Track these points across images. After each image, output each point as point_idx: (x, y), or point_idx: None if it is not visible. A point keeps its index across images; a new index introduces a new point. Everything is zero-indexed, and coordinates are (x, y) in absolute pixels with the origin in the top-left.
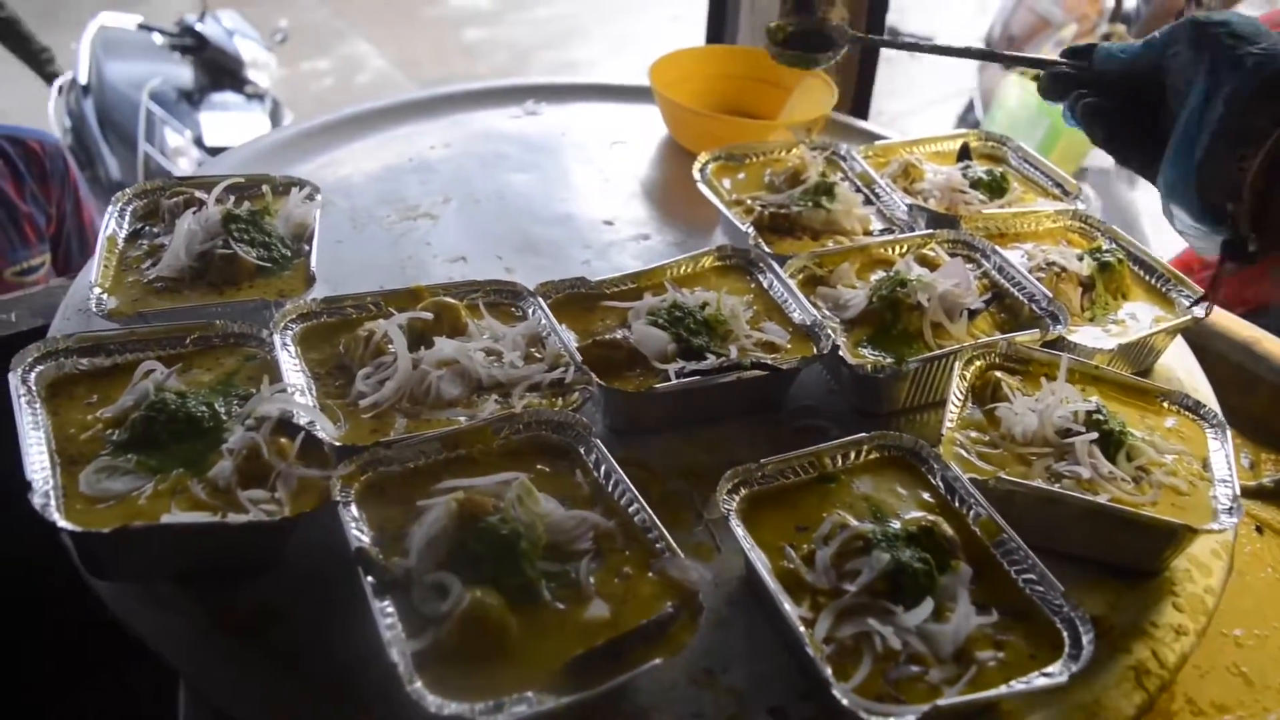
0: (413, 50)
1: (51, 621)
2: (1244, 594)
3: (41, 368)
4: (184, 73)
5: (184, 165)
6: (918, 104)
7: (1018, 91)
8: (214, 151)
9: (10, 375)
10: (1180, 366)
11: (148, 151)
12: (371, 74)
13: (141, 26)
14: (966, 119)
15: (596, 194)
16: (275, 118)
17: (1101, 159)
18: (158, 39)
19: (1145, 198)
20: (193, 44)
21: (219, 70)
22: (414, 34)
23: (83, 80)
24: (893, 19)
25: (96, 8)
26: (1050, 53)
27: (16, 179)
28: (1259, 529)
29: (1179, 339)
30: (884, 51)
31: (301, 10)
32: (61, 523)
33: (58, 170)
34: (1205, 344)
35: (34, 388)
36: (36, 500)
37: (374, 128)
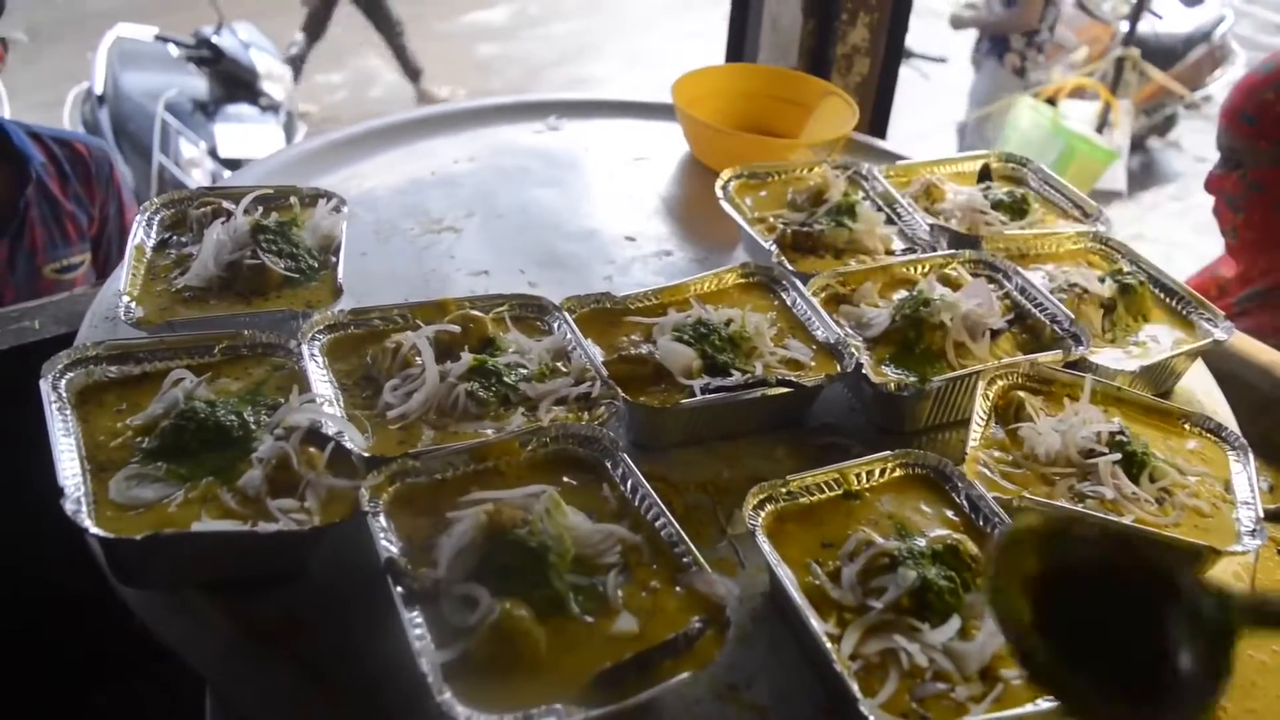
0: (426, 66)
1: (77, 630)
2: None
3: (71, 375)
4: (199, 84)
5: (198, 176)
6: (927, 128)
7: (1032, 114)
8: (228, 163)
9: (41, 381)
10: (1200, 389)
11: (162, 162)
12: (384, 88)
13: (158, 38)
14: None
15: (619, 210)
16: (289, 130)
17: (1111, 182)
18: (174, 50)
19: (1156, 221)
20: (208, 56)
21: (234, 82)
22: (427, 49)
23: (98, 90)
24: (910, 41)
25: (113, 19)
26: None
27: (61, 178)
28: None
29: (1199, 362)
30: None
31: None
32: (93, 529)
33: (103, 174)
34: (1225, 368)
35: (64, 394)
36: (69, 506)
37: (397, 141)
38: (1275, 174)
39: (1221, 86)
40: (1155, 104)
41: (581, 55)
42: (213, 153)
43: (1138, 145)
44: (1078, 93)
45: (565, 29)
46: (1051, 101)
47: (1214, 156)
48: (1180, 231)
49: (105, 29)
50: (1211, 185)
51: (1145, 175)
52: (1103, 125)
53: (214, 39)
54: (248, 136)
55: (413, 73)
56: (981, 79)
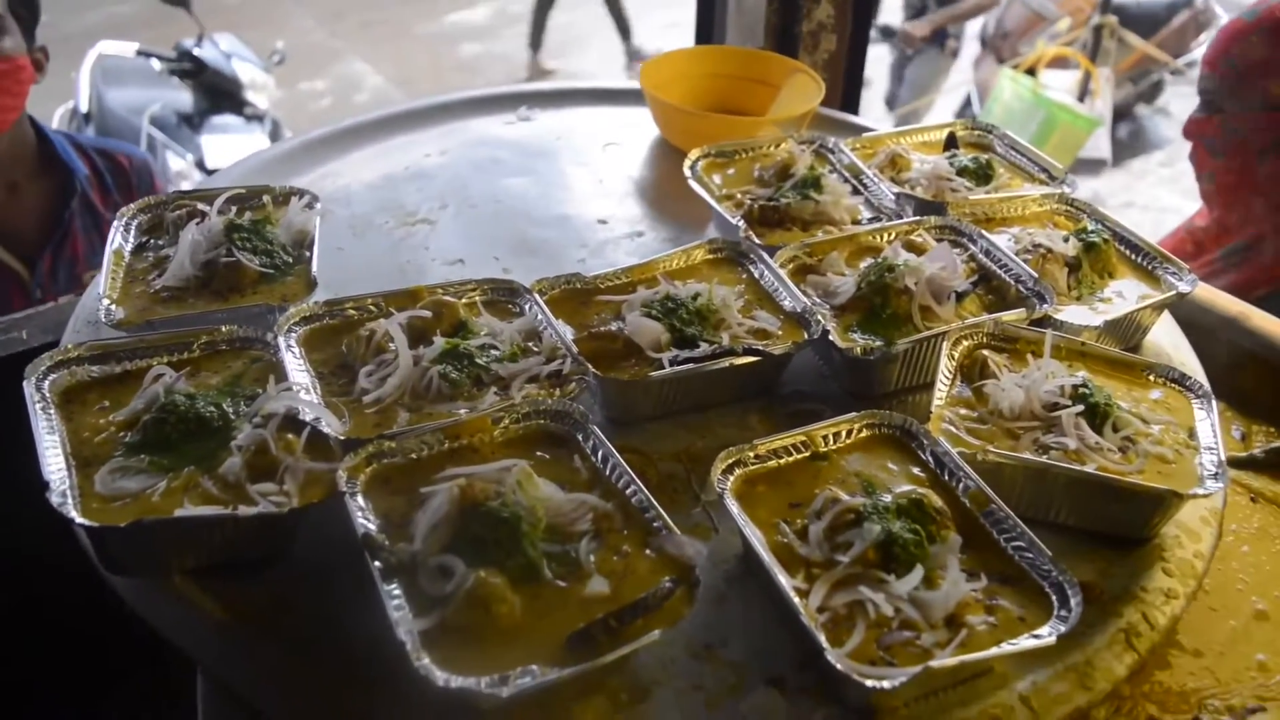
0: (409, 68)
1: (70, 631)
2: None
3: (54, 376)
4: (183, 97)
5: (187, 188)
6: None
7: (1012, 85)
8: (216, 174)
9: (25, 383)
10: (1168, 342)
11: None
12: (369, 93)
13: (140, 53)
14: (964, 113)
15: (591, 195)
16: (275, 138)
17: (1095, 151)
18: (156, 65)
19: (1146, 189)
20: (191, 68)
21: (218, 93)
22: (410, 51)
23: (83, 109)
24: (887, 17)
25: (95, 37)
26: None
27: (102, 189)
28: (1253, 499)
29: (1167, 316)
30: (874, 48)
31: (298, 32)
32: (79, 519)
33: (143, 185)
34: (1194, 320)
35: (48, 395)
36: (54, 499)
37: (370, 139)
38: (1256, 119)
39: (1201, 59)
40: (1141, 71)
41: (565, 51)
42: (200, 164)
43: (1125, 113)
44: (1058, 62)
45: (546, 25)
46: (1031, 72)
47: None
48: (1170, 197)
49: (87, 48)
50: (1191, 130)
51: (1134, 143)
52: (1084, 94)
53: (196, 51)
54: (234, 146)
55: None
56: (920, 66)
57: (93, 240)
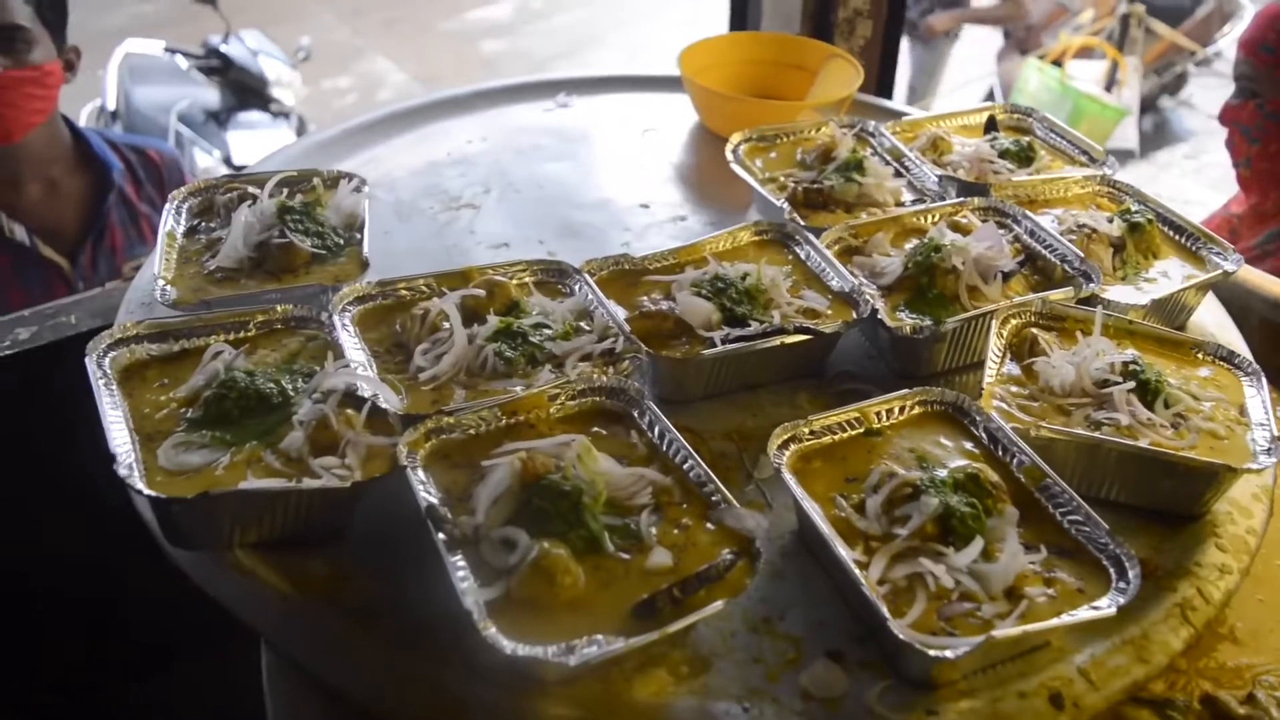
0: (432, 65)
1: (134, 608)
2: None
3: (114, 354)
4: (210, 94)
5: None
6: (939, 94)
7: (1039, 76)
8: (243, 170)
9: (87, 359)
10: (1213, 322)
11: None
12: (392, 89)
13: (167, 50)
14: None
15: (632, 179)
16: (301, 134)
17: (1123, 141)
18: (182, 62)
19: (1171, 180)
20: (218, 65)
21: (244, 90)
22: (433, 48)
23: (110, 107)
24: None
25: (122, 35)
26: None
27: (136, 182)
28: None
29: (1211, 296)
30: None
31: (322, 29)
32: (146, 490)
33: (174, 179)
34: (1239, 301)
35: (109, 371)
36: (121, 471)
37: (411, 125)
38: None
39: (1230, 42)
40: (1165, 63)
41: (584, 47)
42: (227, 161)
43: (1150, 105)
44: (1084, 53)
45: (567, 21)
46: (1058, 63)
47: None
48: (1196, 189)
49: (114, 46)
50: (1226, 116)
51: (1158, 135)
52: (1111, 84)
53: (222, 48)
54: (261, 142)
55: None
56: (924, 53)
57: (129, 233)
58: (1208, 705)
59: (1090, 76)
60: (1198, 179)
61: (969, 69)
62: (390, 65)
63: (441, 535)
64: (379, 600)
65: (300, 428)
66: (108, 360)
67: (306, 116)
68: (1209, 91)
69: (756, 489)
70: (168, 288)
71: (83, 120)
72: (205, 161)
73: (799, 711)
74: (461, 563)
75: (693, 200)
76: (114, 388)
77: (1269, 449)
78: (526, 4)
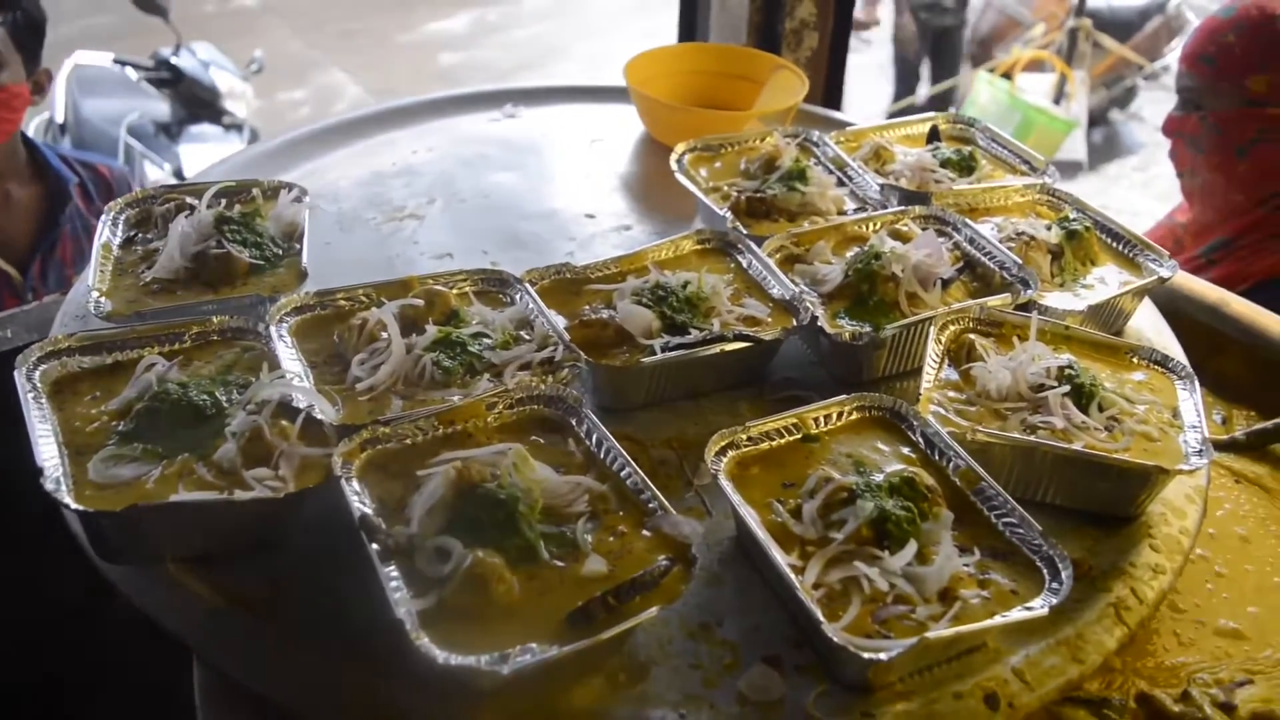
0: (389, 77)
1: (64, 621)
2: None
3: (45, 366)
4: (161, 106)
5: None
6: (891, 104)
7: (989, 89)
8: (200, 172)
9: (15, 373)
10: (1150, 328)
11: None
12: (348, 102)
13: (116, 61)
14: None
15: (578, 189)
16: None
17: (1071, 153)
18: (132, 74)
19: (1121, 193)
20: (168, 77)
21: (196, 102)
22: (389, 61)
23: (59, 119)
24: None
25: (70, 47)
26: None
27: (86, 197)
28: (1236, 480)
29: (1148, 303)
30: (853, 56)
31: (276, 42)
32: (73, 505)
33: (123, 193)
34: (1175, 308)
35: (39, 385)
36: (48, 485)
37: (356, 136)
38: (1234, 115)
39: (1179, 57)
40: (1115, 77)
41: (545, 60)
42: (178, 174)
43: (1100, 119)
44: (1034, 66)
45: (526, 34)
46: (1008, 76)
47: None
48: (1145, 201)
49: (63, 58)
50: (1170, 127)
51: (1108, 148)
52: (1059, 97)
53: (173, 60)
54: (212, 156)
55: None
56: None
57: (81, 245)
58: (1143, 704)
59: (1039, 90)
60: (1146, 191)
61: (923, 83)
62: (346, 78)
63: (375, 545)
64: (314, 613)
65: (233, 439)
66: (38, 373)
67: (260, 129)
68: (1158, 105)
69: (696, 496)
70: (102, 299)
71: (31, 133)
72: (156, 175)
73: (735, 716)
74: (395, 573)
75: (638, 210)
76: (44, 401)
77: (1200, 450)
78: (484, 16)
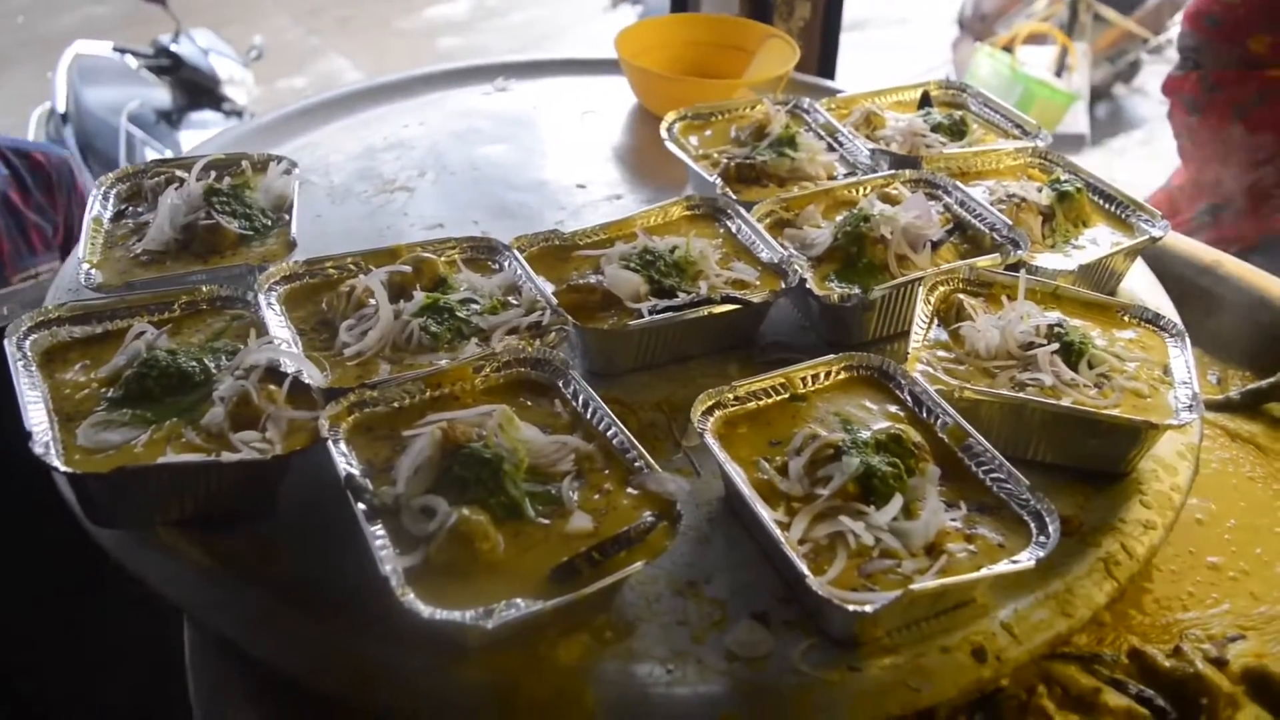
0: (388, 62)
1: (51, 579)
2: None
3: (35, 336)
4: (161, 94)
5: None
6: (894, 82)
7: (990, 62)
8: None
9: (5, 342)
10: (1142, 288)
11: None
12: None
13: (116, 49)
14: None
15: (569, 160)
16: None
17: (1073, 126)
18: (132, 62)
19: (1125, 167)
20: (168, 64)
21: (196, 89)
22: (389, 46)
23: (60, 109)
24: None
25: (71, 38)
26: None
27: (22, 189)
28: (1232, 439)
29: (1140, 263)
30: (855, 34)
31: (275, 29)
32: (62, 467)
33: (64, 182)
34: (1168, 269)
35: (29, 354)
36: (37, 448)
37: (348, 111)
38: (1234, 75)
39: (1182, 16)
40: (1118, 51)
41: (543, 44)
42: None
43: (1103, 93)
44: (1035, 39)
45: (524, 18)
46: (1009, 49)
47: None
48: (1150, 175)
49: (63, 48)
50: (1169, 87)
51: (1112, 122)
52: (1061, 69)
53: (173, 47)
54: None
55: None
56: None
57: (17, 242)
58: (1135, 659)
59: (1040, 62)
60: (1151, 165)
61: (926, 58)
62: (346, 64)
63: (361, 505)
64: (303, 573)
65: (221, 404)
66: (28, 343)
67: (260, 116)
68: (1161, 79)
69: (685, 457)
70: (92, 271)
71: (32, 123)
72: None
73: (723, 671)
74: (381, 531)
75: (629, 179)
76: (33, 369)
77: (1190, 405)
78: (482, 1)
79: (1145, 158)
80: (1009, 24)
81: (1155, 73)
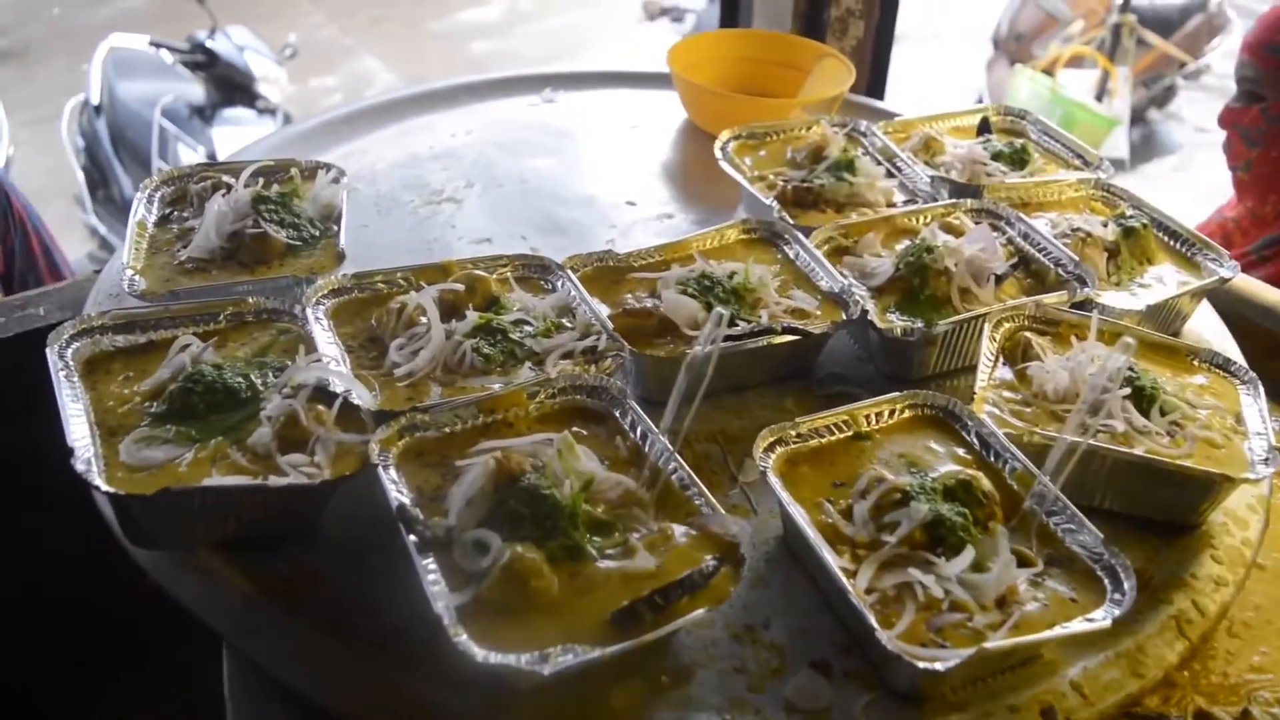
0: (421, 65)
1: (95, 610)
2: None
3: (77, 345)
4: (195, 89)
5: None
6: (925, 103)
7: (1030, 84)
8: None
9: (48, 350)
10: (1208, 329)
11: (161, 168)
12: (380, 89)
13: (152, 44)
14: None
15: (618, 176)
16: None
17: (1114, 150)
18: (168, 57)
19: (1159, 193)
20: (203, 60)
21: (230, 86)
22: (422, 48)
23: (94, 101)
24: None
25: (106, 30)
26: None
27: None
28: None
29: (1205, 304)
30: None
31: (309, 28)
32: (104, 487)
33: None
34: (1233, 310)
35: (71, 363)
36: (79, 466)
37: (393, 118)
38: None
39: (1219, 55)
40: (1154, 75)
41: (576, 50)
42: (211, 157)
43: (1138, 118)
44: (1075, 62)
45: (558, 24)
46: (1049, 73)
47: (1215, 127)
48: (1184, 202)
49: (99, 41)
50: (1227, 119)
51: (1146, 148)
52: (1101, 93)
53: (208, 43)
54: (246, 139)
55: None
56: None
57: None
58: None
59: (1081, 86)
60: (1185, 193)
61: (957, 78)
62: (379, 64)
63: (413, 537)
64: (347, 603)
65: (268, 424)
66: (70, 352)
67: (293, 114)
68: (1197, 105)
69: (741, 493)
70: (136, 278)
71: (65, 115)
72: (189, 157)
73: None
74: (433, 566)
75: (680, 198)
76: (76, 380)
77: (1266, 458)
78: (516, 5)
79: (1179, 184)
80: (1045, 45)
81: (1190, 99)
